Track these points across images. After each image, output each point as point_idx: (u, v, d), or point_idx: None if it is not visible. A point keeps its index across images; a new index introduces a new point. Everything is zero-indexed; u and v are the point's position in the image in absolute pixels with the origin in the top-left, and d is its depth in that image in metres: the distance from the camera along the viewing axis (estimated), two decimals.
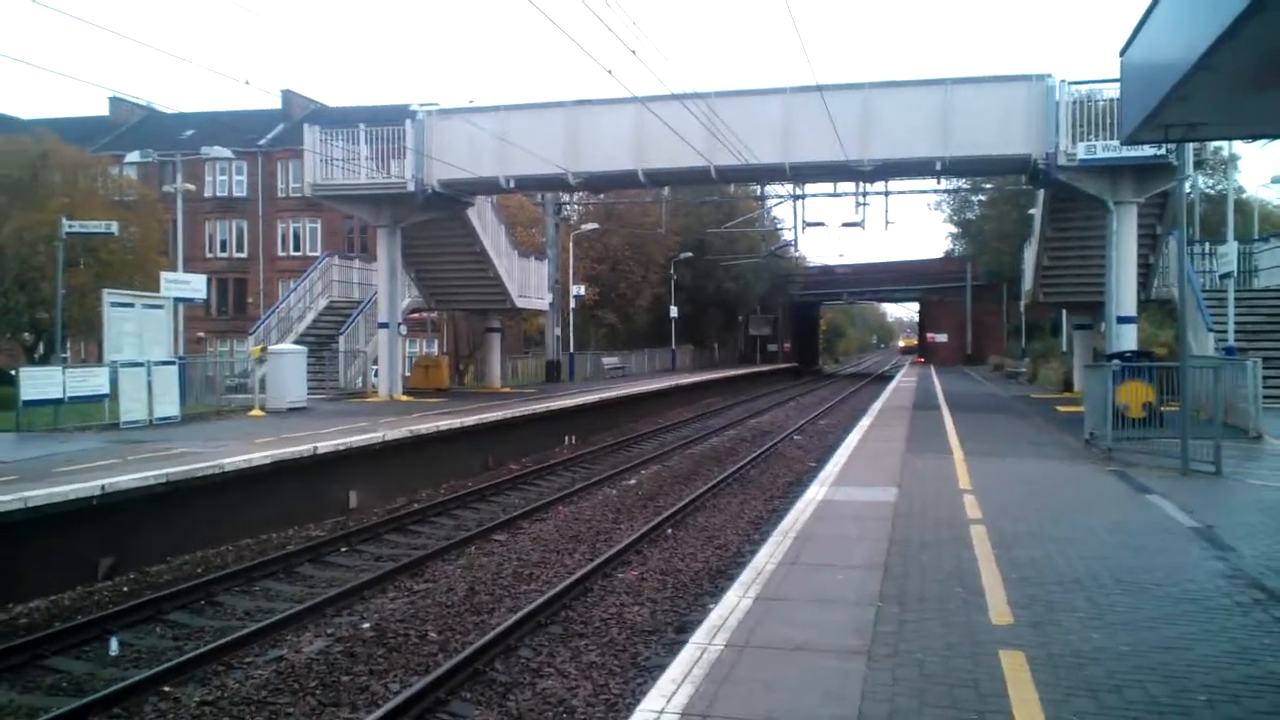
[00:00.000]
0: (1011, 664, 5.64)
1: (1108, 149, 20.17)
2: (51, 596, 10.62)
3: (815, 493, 11.87)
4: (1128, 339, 20.99)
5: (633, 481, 19.05)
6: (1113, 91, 20.00)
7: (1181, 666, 5.59)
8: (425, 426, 18.48)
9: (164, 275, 22.88)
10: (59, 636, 9.22)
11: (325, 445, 15.46)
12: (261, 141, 55.34)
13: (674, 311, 56.70)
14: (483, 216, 28.89)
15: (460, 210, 26.95)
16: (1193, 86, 7.86)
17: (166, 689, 8.02)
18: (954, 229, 74.55)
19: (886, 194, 30.99)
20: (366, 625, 9.64)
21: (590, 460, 22.35)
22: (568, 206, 44.80)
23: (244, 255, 56.80)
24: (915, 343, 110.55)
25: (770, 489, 18.03)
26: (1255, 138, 12.00)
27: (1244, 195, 46.71)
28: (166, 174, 47.90)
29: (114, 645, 9.21)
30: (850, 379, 70.12)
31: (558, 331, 40.51)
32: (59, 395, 17.78)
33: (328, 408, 23.51)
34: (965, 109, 21.79)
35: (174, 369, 20.08)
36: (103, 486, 11.41)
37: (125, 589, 11.12)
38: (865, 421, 22.19)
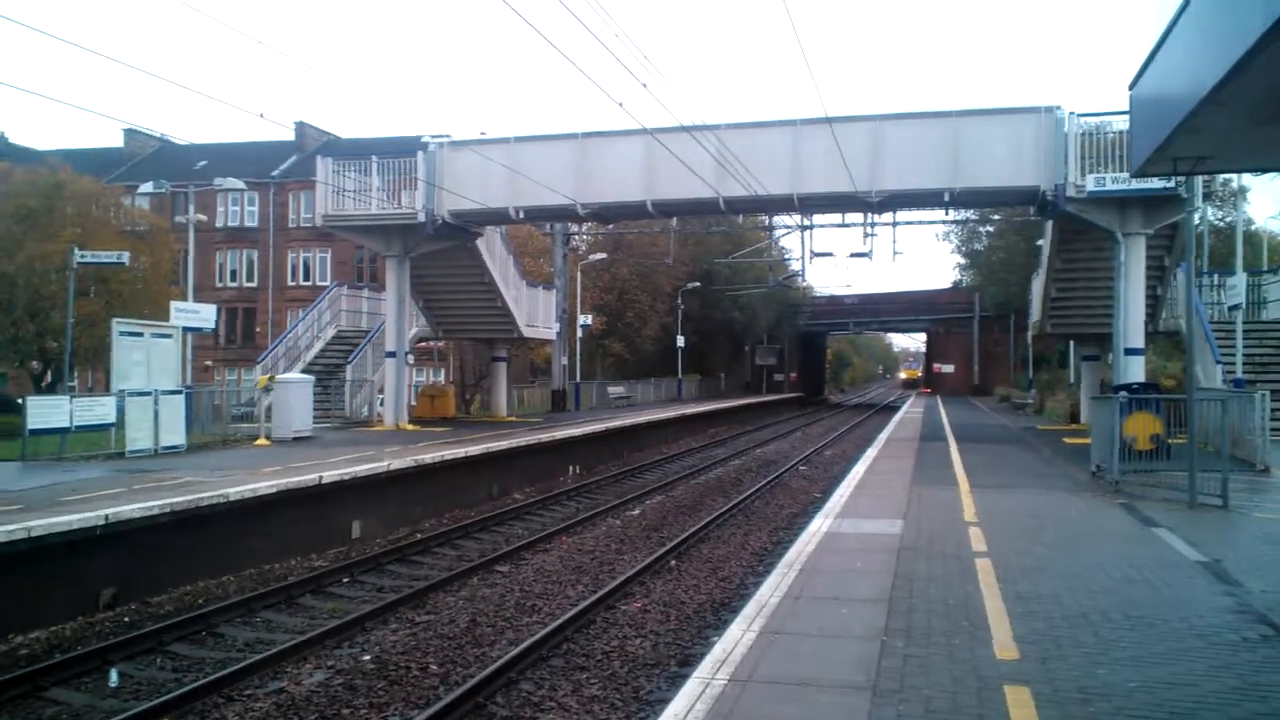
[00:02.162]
0: (1017, 700, 5.58)
1: (1117, 181, 20.17)
2: (52, 627, 10.58)
3: (820, 525, 11.81)
4: (1135, 371, 20.91)
5: (636, 512, 18.97)
6: (1122, 123, 20.04)
7: (1189, 704, 5.52)
8: (430, 456, 18.46)
9: (173, 305, 22.95)
10: (59, 667, 9.17)
11: (330, 475, 15.43)
12: (274, 173, 55.77)
13: (680, 341, 56.75)
14: (491, 247, 28.99)
15: (469, 240, 27.05)
16: (1202, 120, 7.87)
17: None
18: (962, 260, 74.50)
19: (894, 225, 31.09)
20: (367, 657, 9.58)
21: (594, 490, 22.28)
22: (576, 236, 44.98)
23: (254, 285, 57.05)
24: (918, 374, 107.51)
25: (775, 520, 17.94)
26: (1264, 170, 12.01)
27: (1253, 227, 46.72)
28: (179, 204, 48.29)
29: (114, 677, 9.15)
30: (856, 409, 69.92)
31: (564, 361, 40.53)
32: (65, 424, 17.78)
33: (333, 437, 23.50)
34: (974, 141, 21.83)
35: (180, 398, 20.08)
36: (106, 516, 11.40)
37: (126, 619, 11.07)
38: (871, 452, 22.11)
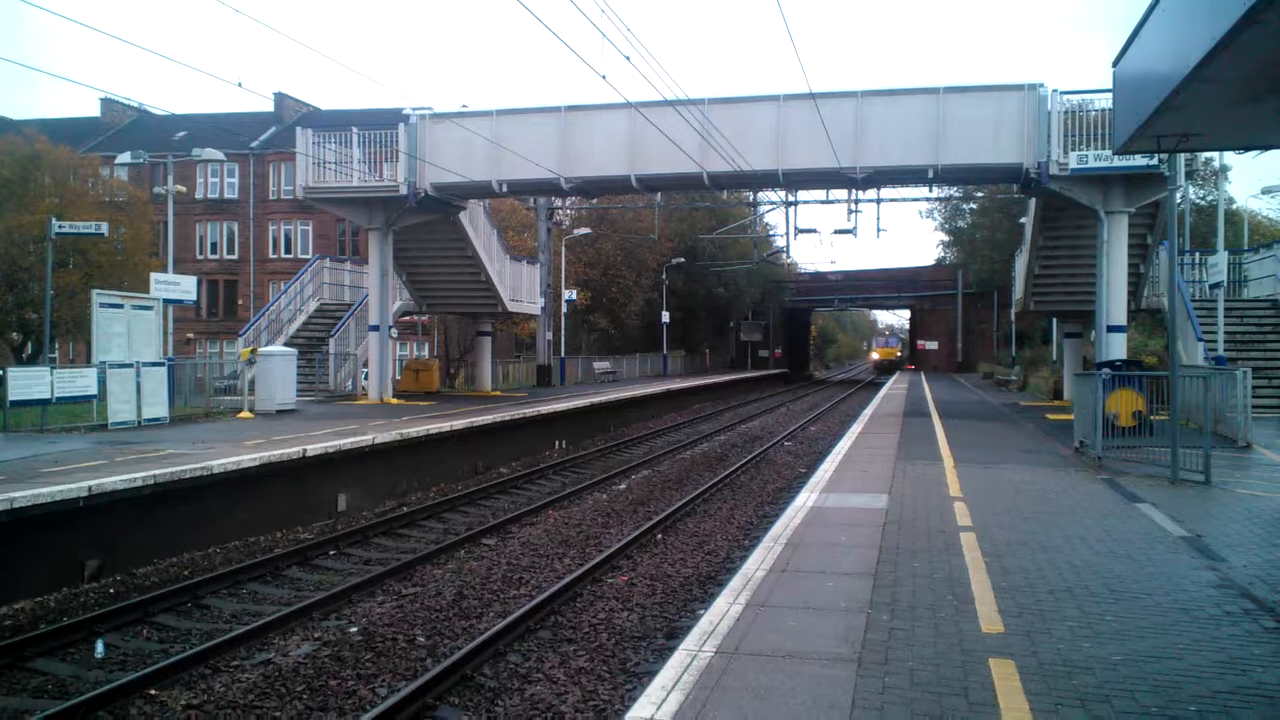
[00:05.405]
0: (1002, 672, 5.62)
1: (1099, 159, 20.23)
2: (37, 598, 10.56)
3: (806, 499, 11.86)
4: (1118, 348, 21.04)
5: (623, 486, 19.01)
6: (1104, 101, 20.08)
7: (1172, 676, 5.58)
8: (415, 430, 18.42)
9: (154, 276, 22.77)
10: (45, 638, 9.15)
11: (314, 448, 15.39)
12: (253, 144, 55.21)
13: (665, 316, 56.78)
14: (475, 220, 28.84)
15: (452, 214, 26.90)
16: (1186, 97, 7.87)
17: (153, 692, 7.96)
18: (945, 237, 74.65)
19: (879, 201, 31.24)
20: (354, 629, 9.58)
21: (580, 465, 22.31)
22: (560, 211, 44.81)
23: (235, 257, 56.58)
24: (896, 353, 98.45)
25: (760, 495, 18.01)
26: (1247, 149, 12.03)
27: (1234, 206, 46.98)
28: (157, 175, 47.77)
29: (100, 647, 9.14)
30: (841, 385, 70.18)
31: (549, 335, 40.46)
32: (46, 395, 17.66)
33: (317, 410, 23.42)
34: (958, 117, 21.81)
35: (163, 370, 19.97)
36: (89, 488, 11.34)
37: (112, 591, 11.05)
38: (856, 428, 22.19)
